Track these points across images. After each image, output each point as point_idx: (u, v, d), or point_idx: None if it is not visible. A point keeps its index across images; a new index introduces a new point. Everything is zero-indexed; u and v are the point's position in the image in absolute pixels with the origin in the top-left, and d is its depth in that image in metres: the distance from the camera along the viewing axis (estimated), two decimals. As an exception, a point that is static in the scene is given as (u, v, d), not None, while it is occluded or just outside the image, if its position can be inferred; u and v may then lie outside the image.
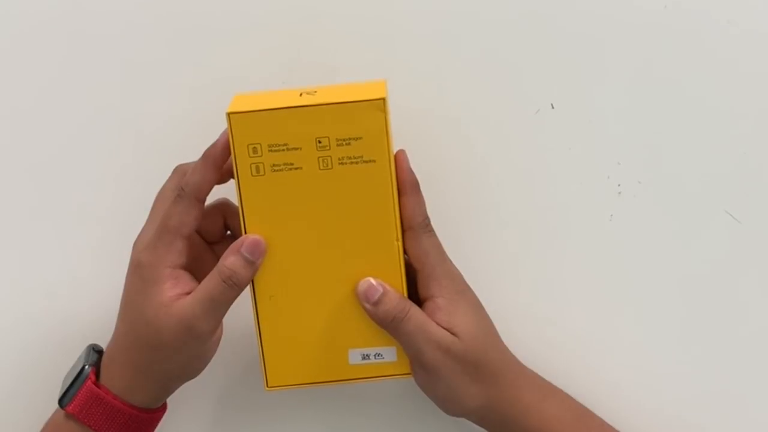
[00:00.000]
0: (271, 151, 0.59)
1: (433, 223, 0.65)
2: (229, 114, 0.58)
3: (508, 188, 0.74)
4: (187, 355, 0.63)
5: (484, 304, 0.67)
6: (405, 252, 0.63)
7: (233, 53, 0.72)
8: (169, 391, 0.65)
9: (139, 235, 0.63)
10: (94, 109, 0.73)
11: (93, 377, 0.63)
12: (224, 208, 0.66)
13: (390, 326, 0.61)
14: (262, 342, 0.63)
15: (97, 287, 0.74)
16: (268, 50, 0.72)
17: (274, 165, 0.59)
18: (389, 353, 0.63)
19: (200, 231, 0.64)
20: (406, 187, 0.62)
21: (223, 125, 0.60)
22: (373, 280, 0.62)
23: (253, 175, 0.60)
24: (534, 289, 0.75)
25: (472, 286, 0.66)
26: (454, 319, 0.63)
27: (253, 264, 0.61)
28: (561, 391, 0.69)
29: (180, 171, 0.64)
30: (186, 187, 0.61)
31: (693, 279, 0.74)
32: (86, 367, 0.64)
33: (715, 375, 0.75)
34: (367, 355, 0.63)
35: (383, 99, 0.59)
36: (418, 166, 0.64)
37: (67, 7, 0.72)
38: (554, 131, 0.72)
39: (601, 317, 0.75)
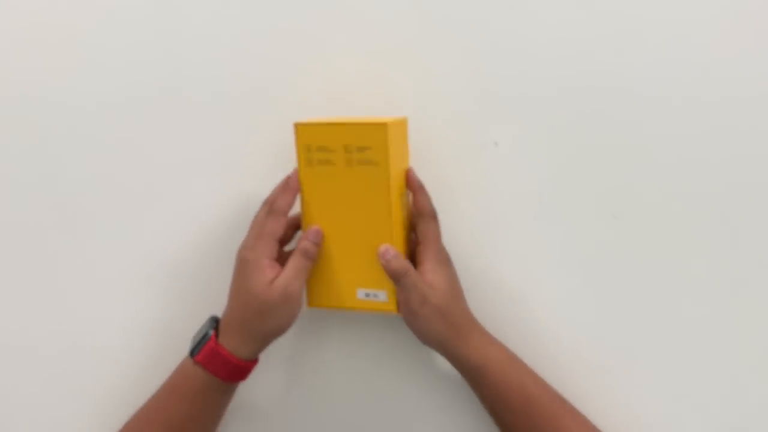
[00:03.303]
0: (317, 150, 0.80)
1: (450, 235, 0.81)
2: (295, 125, 0.81)
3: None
4: (284, 314, 0.79)
5: (483, 304, 0.81)
6: (413, 229, 0.82)
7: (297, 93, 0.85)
8: (266, 345, 0.82)
9: (242, 244, 0.81)
10: (170, 142, 0.87)
11: (214, 338, 0.81)
12: (294, 221, 0.85)
13: (395, 277, 0.81)
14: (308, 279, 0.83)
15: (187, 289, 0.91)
16: (325, 90, 0.85)
17: (319, 160, 0.80)
18: (383, 295, 0.82)
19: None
20: (415, 187, 0.82)
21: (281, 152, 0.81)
22: (389, 246, 0.81)
23: (307, 166, 0.81)
24: (534, 289, 0.83)
25: (470, 291, 0.82)
26: (435, 280, 0.81)
27: (317, 244, 0.82)
28: (508, 350, 0.82)
29: (267, 201, 0.82)
30: (275, 206, 0.81)
31: (693, 279, 0.76)
32: (209, 331, 0.82)
33: (715, 375, 0.77)
34: (368, 294, 0.82)
35: (386, 124, 0.77)
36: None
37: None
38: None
39: (601, 317, 0.80)
